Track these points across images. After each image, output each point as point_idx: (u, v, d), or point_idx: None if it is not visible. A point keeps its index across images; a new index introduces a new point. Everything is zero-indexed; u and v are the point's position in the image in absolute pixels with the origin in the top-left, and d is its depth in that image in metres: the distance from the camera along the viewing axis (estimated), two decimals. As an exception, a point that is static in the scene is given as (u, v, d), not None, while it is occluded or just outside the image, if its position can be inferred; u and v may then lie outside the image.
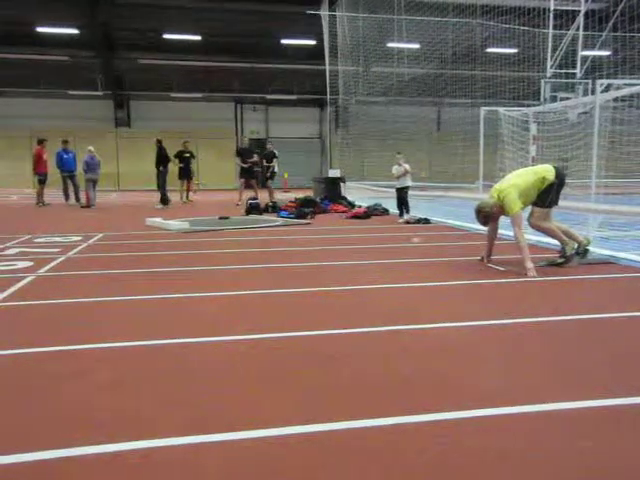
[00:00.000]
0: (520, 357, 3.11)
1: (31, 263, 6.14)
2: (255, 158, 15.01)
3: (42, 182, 15.75)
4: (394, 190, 10.93)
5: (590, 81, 10.86)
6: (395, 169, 10.48)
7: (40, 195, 15.70)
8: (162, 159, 14.65)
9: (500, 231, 6.16)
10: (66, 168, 15.66)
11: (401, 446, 2.11)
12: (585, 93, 10.78)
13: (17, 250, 7.15)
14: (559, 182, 5.70)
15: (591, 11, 11.65)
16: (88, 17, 23.55)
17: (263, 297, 4.60)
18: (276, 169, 15.59)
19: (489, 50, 19.55)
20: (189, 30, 24.78)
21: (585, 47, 12.03)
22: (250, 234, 8.90)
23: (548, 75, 11.12)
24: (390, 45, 18.95)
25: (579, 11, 11.18)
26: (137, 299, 4.54)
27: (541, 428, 2.25)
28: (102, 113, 28.92)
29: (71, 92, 27.16)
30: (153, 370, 2.92)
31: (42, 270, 5.77)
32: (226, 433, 2.20)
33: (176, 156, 15.76)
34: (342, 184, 15.35)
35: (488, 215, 5.74)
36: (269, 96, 29.61)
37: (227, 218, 11.01)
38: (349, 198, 14.59)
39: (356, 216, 11.52)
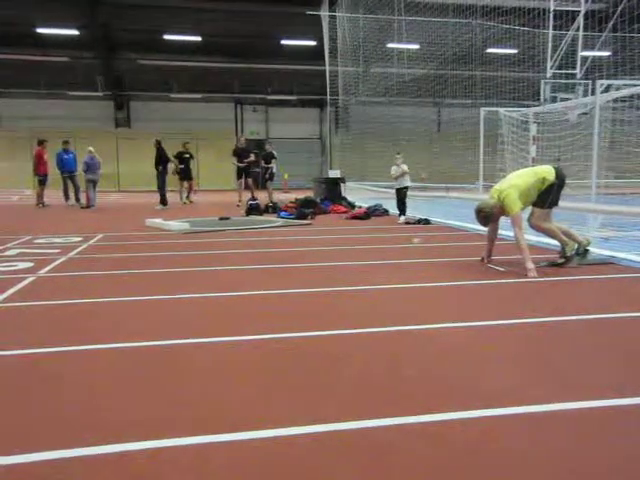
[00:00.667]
0: (526, 357, 3.11)
1: (31, 264, 6.14)
2: (252, 158, 15.02)
3: (42, 183, 15.76)
4: (394, 191, 10.94)
5: (590, 82, 10.89)
6: (394, 170, 10.50)
7: (40, 196, 15.70)
8: (161, 160, 14.64)
9: (500, 232, 6.17)
10: (66, 169, 15.68)
11: (408, 446, 2.12)
12: (585, 94, 10.81)
13: (17, 251, 7.16)
14: (559, 183, 5.72)
15: (591, 12, 11.68)
16: (88, 18, 23.62)
17: (265, 298, 4.60)
18: (275, 170, 15.61)
19: (489, 50, 19.55)
20: (189, 30, 24.82)
21: (585, 48, 12.07)
22: (251, 235, 8.91)
23: (548, 75, 11.14)
24: (390, 45, 18.96)
25: (579, 12, 11.22)
26: (138, 300, 4.54)
27: (548, 428, 2.26)
28: (102, 114, 28.93)
29: (71, 93, 27.18)
30: (158, 370, 2.92)
31: (42, 271, 5.78)
32: (233, 433, 2.21)
33: (176, 157, 15.77)
34: (342, 185, 15.36)
35: (488, 215, 5.75)
36: (269, 97, 29.63)
37: (227, 219, 11.01)
38: (349, 199, 14.60)
39: (356, 217, 11.53)
